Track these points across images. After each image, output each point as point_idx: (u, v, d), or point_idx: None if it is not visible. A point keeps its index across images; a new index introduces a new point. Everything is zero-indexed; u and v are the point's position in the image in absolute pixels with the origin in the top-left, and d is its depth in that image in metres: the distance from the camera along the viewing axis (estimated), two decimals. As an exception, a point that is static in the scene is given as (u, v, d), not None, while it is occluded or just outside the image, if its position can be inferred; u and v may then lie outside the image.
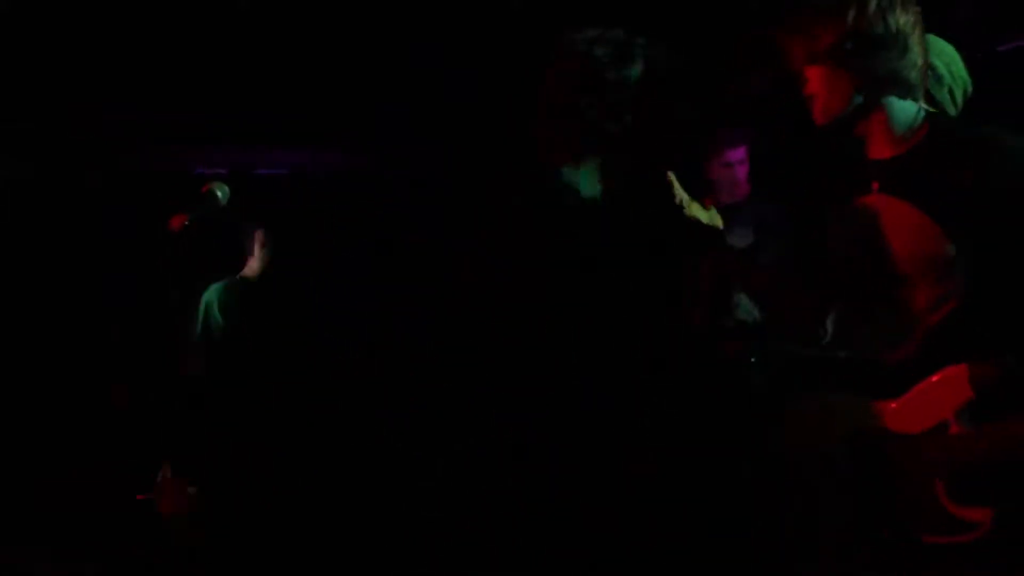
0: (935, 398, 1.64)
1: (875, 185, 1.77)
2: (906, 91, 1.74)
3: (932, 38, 1.94)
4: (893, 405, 1.69)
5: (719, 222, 2.08)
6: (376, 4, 3.65)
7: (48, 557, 3.65)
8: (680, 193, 2.05)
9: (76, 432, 4.05)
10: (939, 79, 2.05)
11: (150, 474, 3.12)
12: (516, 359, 2.02)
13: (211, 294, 3.39)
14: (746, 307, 2.24)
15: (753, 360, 2.12)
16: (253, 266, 3.56)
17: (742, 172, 3.47)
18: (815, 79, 1.76)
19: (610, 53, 1.88)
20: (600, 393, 1.99)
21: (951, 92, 2.07)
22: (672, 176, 2.01)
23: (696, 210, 2.04)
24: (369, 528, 3.21)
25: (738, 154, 3.45)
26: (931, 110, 1.79)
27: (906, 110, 1.75)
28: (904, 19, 1.71)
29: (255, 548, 3.13)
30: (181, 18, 3.55)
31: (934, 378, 1.64)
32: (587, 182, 1.93)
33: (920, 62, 1.73)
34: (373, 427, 3.42)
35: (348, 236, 4.46)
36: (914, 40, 1.72)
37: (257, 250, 3.56)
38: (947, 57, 2.07)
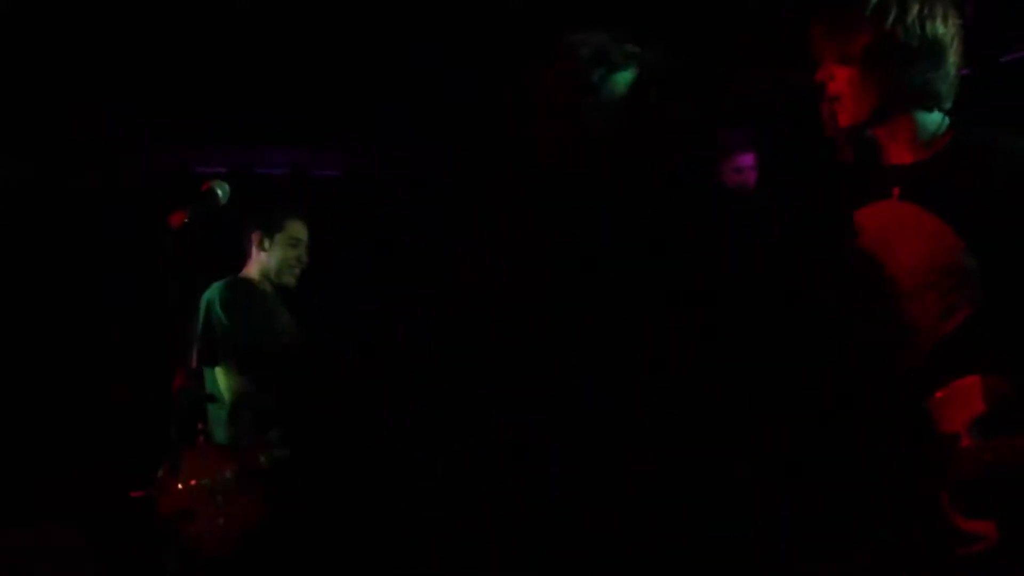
0: (947, 410, 1.63)
1: (895, 191, 1.75)
2: (935, 102, 1.72)
3: None
4: None
5: None
6: (376, 4, 3.65)
7: (48, 557, 3.65)
8: None
9: (76, 432, 4.05)
10: None
11: (149, 473, 3.12)
12: (516, 359, 2.02)
13: (212, 292, 3.37)
14: None
15: None
16: (253, 265, 3.55)
17: (752, 178, 3.46)
18: (843, 80, 1.73)
19: (594, 54, 1.88)
20: (600, 393, 1.99)
21: None
22: None
23: None
24: (368, 527, 3.21)
25: (748, 160, 3.45)
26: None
27: (932, 117, 1.74)
28: (943, 30, 1.69)
29: (253, 548, 3.12)
30: (181, 18, 3.55)
31: (946, 390, 1.63)
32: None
33: (953, 73, 1.71)
34: (372, 426, 3.42)
35: (347, 236, 4.45)
36: (951, 52, 1.70)
37: (254, 251, 3.55)
38: None
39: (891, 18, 1.67)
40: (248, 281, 3.49)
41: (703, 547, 2.05)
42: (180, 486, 3.02)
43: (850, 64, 1.71)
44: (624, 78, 1.87)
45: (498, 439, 2.01)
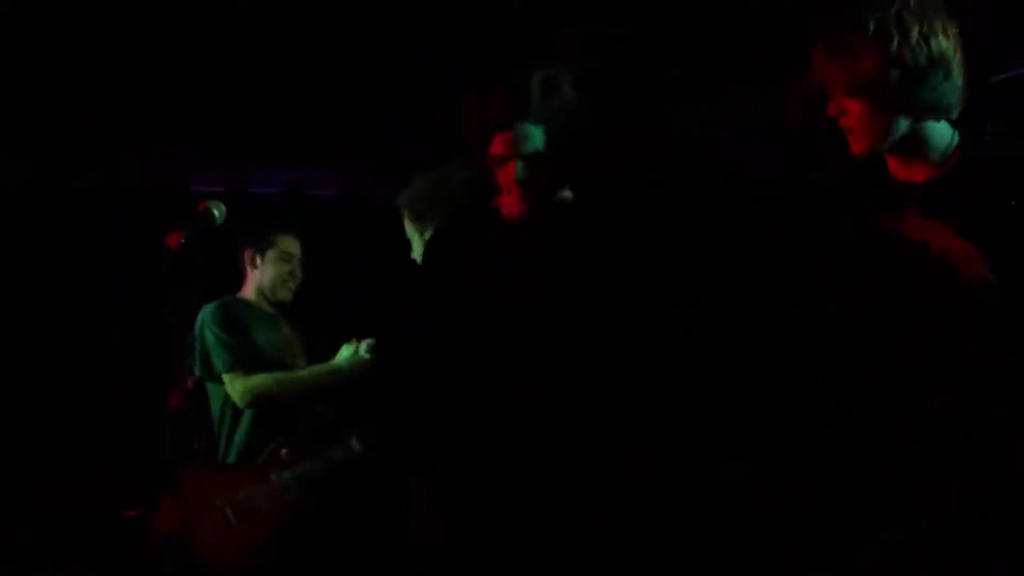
0: None
1: (911, 209, 1.74)
2: (946, 113, 1.72)
3: None
4: None
5: None
6: (375, 11, 3.63)
7: (48, 558, 3.65)
8: None
9: (76, 432, 4.05)
10: None
11: (145, 486, 3.12)
12: (516, 359, 2.02)
13: (204, 314, 3.37)
14: None
15: None
16: (248, 285, 3.55)
17: None
18: (856, 112, 1.72)
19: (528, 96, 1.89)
20: (600, 393, 1.99)
21: None
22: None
23: None
24: (368, 528, 3.21)
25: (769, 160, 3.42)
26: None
27: (942, 134, 1.73)
28: (947, 43, 1.68)
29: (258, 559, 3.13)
30: (182, 18, 3.54)
31: None
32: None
33: (961, 82, 1.71)
34: (375, 430, 3.41)
35: (345, 253, 4.42)
36: (956, 62, 1.70)
37: (248, 269, 3.55)
38: None
39: (895, 42, 1.65)
40: (241, 301, 3.50)
41: (704, 548, 2.05)
42: (189, 505, 3.03)
43: (860, 94, 1.69)
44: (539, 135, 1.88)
45: (498, 439, 2.01)
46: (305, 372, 3.35)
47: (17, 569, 3.63)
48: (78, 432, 4.05)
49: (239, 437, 3.31)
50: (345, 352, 3.35)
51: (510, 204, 1.99)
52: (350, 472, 3.25)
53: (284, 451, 3.22)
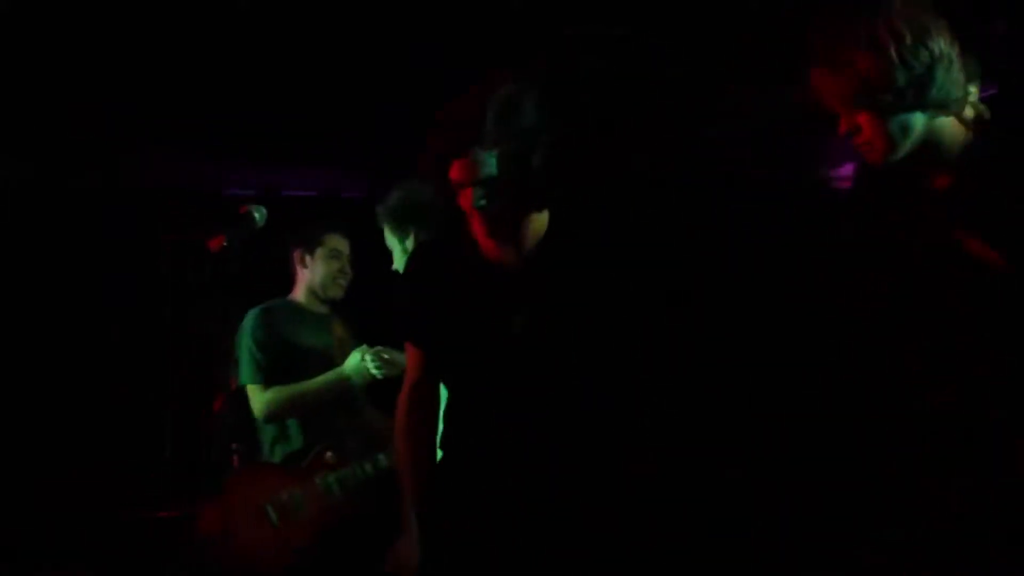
0: None
1: (915, 211, 1.74)
2: (955, 108, 1.72)
3: None
4: None
5: None
6: (377, 11, 3.62)
7: (48, 558, 3.65)
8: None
9: (76, 433, 4.05)
10: None
11: (144, 488, 3.12)
12: (516, 359, 2.01)
13: (247, 319, 3.40)
14: None
15: None
16: (299, 285, 3.57)
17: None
18: (868, 126, 1.71)
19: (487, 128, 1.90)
20: (600, 393, 1.99)
21: None
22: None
23: None
24: (368, 531, 3.21)
25: (846, 170, 3.38)
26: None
27: (953, 133, 1.73)
28: (944, 41, 1.68)
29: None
30: (180, 30, 3.54)
31: None
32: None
33: (961, 78, 1.72)
34: (381, 431, 3.41)
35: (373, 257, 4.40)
36: (955, 57, 1.71)
37: (298, 269, 3.56)
38: None
39: (891, 48, 1.65)
40: (290, 304, 3.52)
41: (704, 548, 2.05)
42: (232, 505, 3.05)
43: (868, 105, 1.69)
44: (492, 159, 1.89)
45: (499, 438, 2.01)
46: (316, 382, 3.36)
47: (17, 569, 3.62)
48: (78, 432, 4.05)
49: (290, 441, 3.34)
50: (352, 360, 3.36)
51: (475, 227, 2.01)
52: (393, 477, 3.27)
53: (329, 454, 3.26)
